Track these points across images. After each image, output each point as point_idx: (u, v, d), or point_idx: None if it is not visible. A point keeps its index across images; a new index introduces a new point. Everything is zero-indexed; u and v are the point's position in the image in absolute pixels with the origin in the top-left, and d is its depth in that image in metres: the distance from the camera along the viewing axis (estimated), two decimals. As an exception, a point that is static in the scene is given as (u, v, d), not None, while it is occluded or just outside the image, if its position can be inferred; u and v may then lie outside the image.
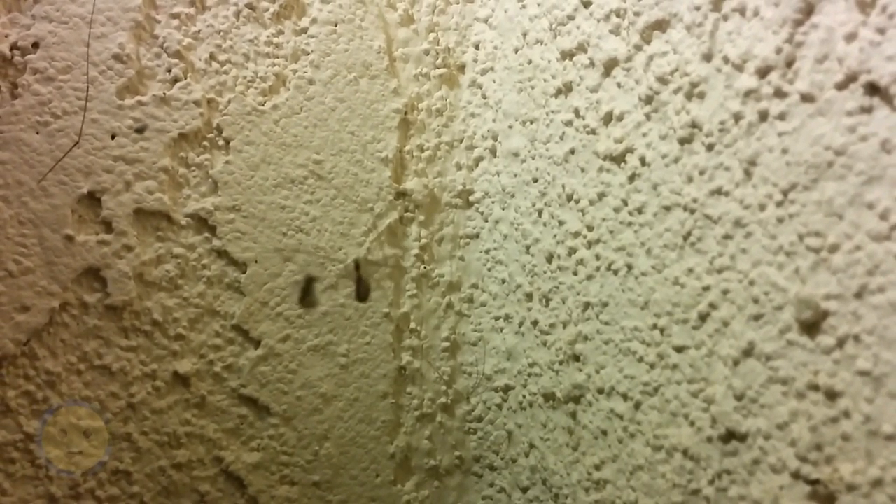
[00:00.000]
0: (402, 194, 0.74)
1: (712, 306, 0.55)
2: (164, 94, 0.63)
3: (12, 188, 0.57)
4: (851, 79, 0.46)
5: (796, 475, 0.49)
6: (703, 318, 0.56)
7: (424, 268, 0.75)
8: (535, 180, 0.72)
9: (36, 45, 0.59)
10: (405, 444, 0.73)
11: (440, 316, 0.76)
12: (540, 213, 0.72)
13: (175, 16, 0.64)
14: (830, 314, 0.47)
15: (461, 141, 0.78)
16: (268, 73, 0.68)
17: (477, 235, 0.79)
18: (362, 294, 0.69)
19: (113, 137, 0.61)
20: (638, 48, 0.61)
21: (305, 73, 0.69)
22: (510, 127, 0.75)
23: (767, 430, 0.51)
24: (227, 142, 0.66)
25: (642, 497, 0.61)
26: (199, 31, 0.65)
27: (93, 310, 0.60)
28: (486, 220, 0.78)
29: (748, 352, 0.52)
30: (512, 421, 0.75)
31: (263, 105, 0.67)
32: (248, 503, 0.66)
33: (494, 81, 0.77)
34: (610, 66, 0.64)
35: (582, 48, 0.67)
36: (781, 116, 0.50)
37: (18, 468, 0.57)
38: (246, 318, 0.66)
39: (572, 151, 0.68)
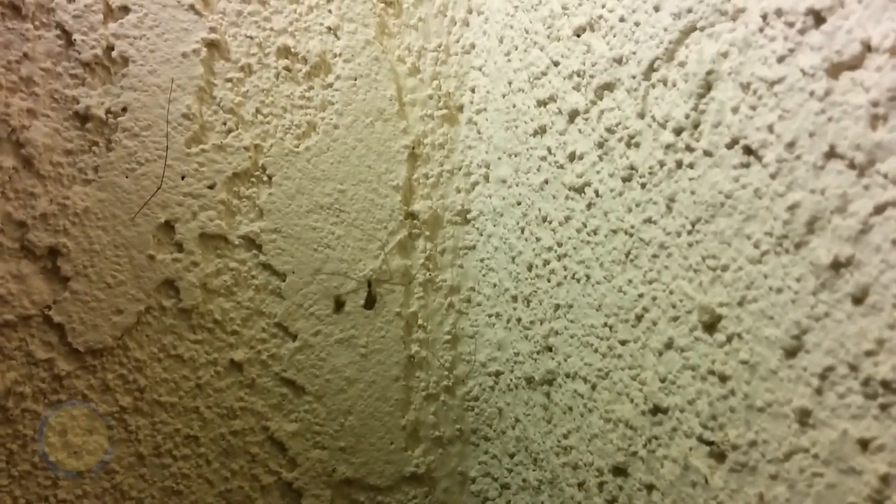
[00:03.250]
0: (410, 215, 0.91)
1: (645, 309, 0.71)
2: (221, 142, 0.80)
3: (109, 220, 0.75)
4: (735, 141, 0.61)
5: (700, 438, 0.65)
6: (639, 318, 0.71)
7: (429, 274, 0.92)
8: (519, 203, 0.88)
9: (125, 110, 0.76)
10: (414, 419, 0.90)
11: (443, 314, 0.92)
12: (522, 230, 0.88)
13: (228, 80, 0.81)
14: (723, 317, 0.63)
15: (460, 169, 0.94)
16: (301, 122, 0.84)
17: (473, 247, 0.95)
18: (368, 304, 0.86)
19: (183, 178, 0.78)
20: (593, 102, 0.77)
21: (331, 119, 0.86)
22: (499, 158, 0.91)
23: (681, 405, 0.67)
24: (270, 178, 0.83)
25: (597, 459, 0.77)
26: (247, 91, 0.82)
27: (169, 312, 0.77)
28: (481, 235, 0.94)
29: (669, 345, 0.68)
30: (501, 400, 0.91)
31: (298, 147, 0.84)
32: (289, 463, 0.83)
33: (487, 120, 0.93)
34: (573, 115, 0.80)
35: (552, 99, 0.83)
36: (691, 165, 0.66)
37: (115, 433, 0.75)
38: (285, 317, 0.83)
39: (546, 181, 0.84)
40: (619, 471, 0.74)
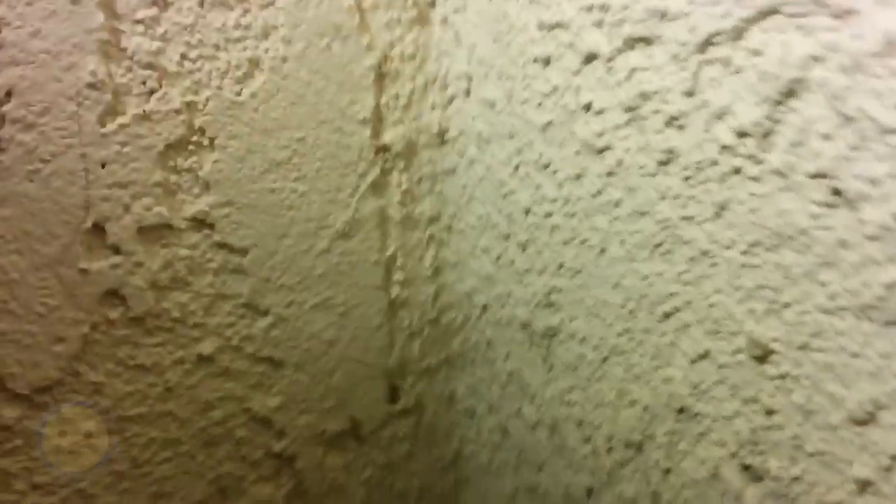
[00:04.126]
0: (382, 149, 0.76)
1: (676, 309, 0.64)
2: (144, 109, 0.62)
3: (21, 240, 0.59)
4: (821, 175, 0.50)
5: (734, 455, 0.62)
6: (668, 316, 0.65)
7: (406, 210, 0.80)
8: (511, 136, 0.75)
9: (9, 94, 0.56)
10: (399, 357, 0.84)
11: (423, 248, 0.82)
12: (517, 168, 0.76)
13: (139, 22, 0.60)
14: (776, 353, 0.57)
15: (435, 81, 0.78)
16: (240, 60, 0.66)
17: (454, 171, 0.82)
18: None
19: (104, 167, 0.61)
20: (620, 52, 0.62)
21: (277, 50, 0.67)
22: (486, 76, 0.75)
23: (715, 417, 0.63)
24: (212, 141, 0.66)
25: (607, 426, 0.74)
26: (166, 32, 0.62)
27: (119, 323, 0.66)
28: (462, 157, 0.81)
29: (704, 356, 0.63)
30: (490, 331, 0.86)
31: (240, 95, 0.66)
32: (277, 434, 0.78)
33: (467, 23, 0.75)
34: (590, 58, 0.65)
35: (561, 26, 0.66)
36: (755, 178, 0.55)
37: (84, 460, 0.67)
38: (253, 295, 0.72)
39: (551, 124, 0.70)
40: (634, 445, 0.72)
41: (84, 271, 0.63)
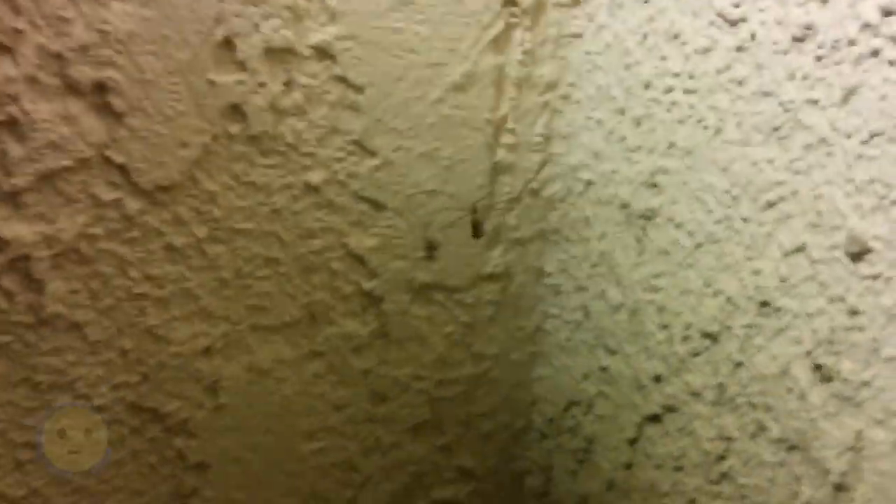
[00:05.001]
0: (509, 2, 0.76)
1: (781, 199, 0.63)
2: (282, -71, 0.64)
3: (158, 43, 0.64)
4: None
5: (808, 354, 0.62)
6: (771, 205, 0.64)
7: (525, 71, 0.80)
8: (646, 1, 0.73)
9: None
10: (496, 222, 0.87)
11: (536, 113, 0.83)
12: (645, 36, 0.74)
13: None
14: (873, 251, 0.56)
15: (575, -63, 0.76)
16: None
17: (580, 35, 0.81)
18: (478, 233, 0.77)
19: (239, -19, 0.64)
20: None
21: None
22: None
23: (798, 313, 0.63)
24: (343, -29, 0.68)
25: (687, 314, 0.75)
26: None
27: (238, 139, 0.70)
28: (591, 22, 0.80)
29: (799, 249, 0.62)
30: (589, 209, 0.87)
31: (378, -73, 0.67)
32: (369, 274, 0.83)
33: None
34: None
35: None
36: (891, 62, 0.52)
37: (194, 262, 0.73)
38: (364, 134, 0.76)
39: (687, -10, 0.68)
40: (710, 336, 0.73)
41: (211, 82, 0.67)
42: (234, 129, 0.70)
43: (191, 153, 0.69)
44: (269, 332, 0.79)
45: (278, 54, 0.69)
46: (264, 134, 0.71)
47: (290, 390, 0.82)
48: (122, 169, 0.67)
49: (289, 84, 0.71)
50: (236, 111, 0.70)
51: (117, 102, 0.64)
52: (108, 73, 0.63)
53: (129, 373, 0.72)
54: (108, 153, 0.66)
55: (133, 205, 0.68)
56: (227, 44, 0.67)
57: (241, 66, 0.68)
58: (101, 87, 0.63)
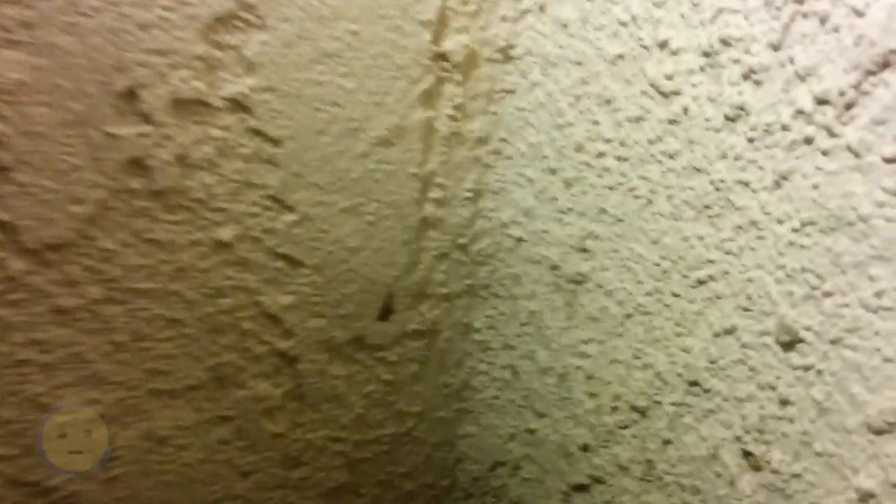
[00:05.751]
0: (439, 56, 0.73)
1: (711, 278, 0.61)
2: (193, -26, 0.60)
3: (51, 93, 0.59)
4: (902, 162, 0.47)
5: (737, 439, 0.61)
6: (701, 283, 0.62)
7: (455, 126, 0.77)
8: (580, 63, 0.71)
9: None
10: (421, 278, 0.83)
11: (466, 168, 0.80)
12: (578, 98, 0.72)
13: None
14: (805, 342, 0.54)
15: (508, -8, 0.74)
16: (303, -63, 0.63)
17: (513, 91, 0.79)
18: (384, 315, 0.74)
19: (144, 30, 0.60)
20: (710, -8, 0.57)
21: (344, -68, 0.64)
22: (563, -6, 0.71)
23: (727, 396, 0.61)
24: (263, 20, 0.64)
25: (617, 385, 0.73)
26: None
27: (140, 194, 0.65)
28: (525, 78, 0.78)
29: (729, 331, 0.60)
30: (520, 267, 0.84)
31: (299, -25, 0.64)
32: (284, 334, 0.78)
33: (552, -66, 0.71)
34: (674, -9, 0.60)
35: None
36: (825, 153, 0.51)
37: (86, 325, 0.68)
38: (282, 189, 0.71)
39: (621, 57, 0.66)
40: (638, 410, 0.71)
41: (111, 135, 0.62)
42: (136, 183, 0.65)
43: (85, 209, 0.64)
44: (170, 397, 0.73)
45: (187, 106, 0.65)
46: (169, 189, 0.66)
47: (192, 458, 0.76)
48: (6, 227, 0.61)
49: (198, 137, 0.66)
50: (138, 165, 0.64)
51: (3, 156, 0.59)
52: (-8, 125, 0.58)
53: (9, 445, 0.66)
54: (-10, 210, 0.60)
55: (17, 265, 0.62)
56: (130, 95, 0.62)
57: (146, 118, 0.63)
58: (-17, 139, 0.58)
